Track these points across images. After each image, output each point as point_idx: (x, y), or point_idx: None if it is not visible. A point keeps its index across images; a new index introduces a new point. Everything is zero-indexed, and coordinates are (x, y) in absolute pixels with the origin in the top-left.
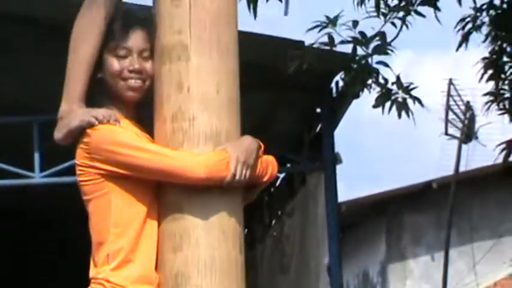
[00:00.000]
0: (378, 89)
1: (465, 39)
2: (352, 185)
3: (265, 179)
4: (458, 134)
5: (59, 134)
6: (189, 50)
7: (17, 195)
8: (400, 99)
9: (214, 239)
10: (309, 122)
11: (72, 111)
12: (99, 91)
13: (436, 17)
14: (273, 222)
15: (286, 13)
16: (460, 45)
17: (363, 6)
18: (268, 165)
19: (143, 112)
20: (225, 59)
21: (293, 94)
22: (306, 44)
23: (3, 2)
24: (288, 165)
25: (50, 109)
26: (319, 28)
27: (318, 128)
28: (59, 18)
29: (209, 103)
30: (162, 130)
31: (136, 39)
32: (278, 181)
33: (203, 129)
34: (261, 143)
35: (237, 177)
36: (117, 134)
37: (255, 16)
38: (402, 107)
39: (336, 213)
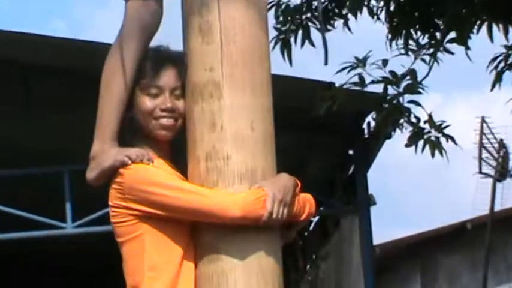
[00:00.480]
0: (410, 128)
1: (499, 78)
2: (384, 228)
3: (303, 217)
4: (492, 172)
5: (91, 174)
6: (222, 87)
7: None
8: (433, 138)
9: (253, 280)
10: (341, 163)
11: (105, 151)
12: (131, 130)
13: (467, 54)
14: (308, 266)
15: (326, 62)
16: (494, 85)
17: (393, 44)
18: (306, 204)
19: (179, 156)
20: (258, 95)
21: (324, 136)
22: (336, 85)
23: (28, 53)
24: (321, 208)
25: (80, 158)
26: (348, 69)
27: (351, 170)
28: (88, 68)
29: (243, 141)
30: (196, 170)
31: (168, 77)
32: (312, 225)
33: (238, 168)
34: (298, 181)
35: (274, 215)
36: (151, 174)
37: (291, 63)
38: (435, 145)
39: (370, 256)
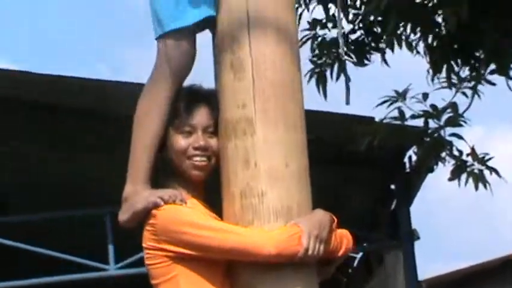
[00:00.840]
0: (453, 161)
1: None
2: (429, 262)
3: (340, 253)
4: None
5: (124, 216)
6: (254, 123)
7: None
8: (476, 171)
9: None
10: (383, 198)
11: (137, 192)
12: (164, 170)
13: (508, 85)
14: None
15: (347, 102)
16: None
17: (434, 78)
18: (343, 239)
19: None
20: (291, 130)
21: (366, 170)
22: (376, 118)
23: (72, 98)
24: (364, 244)
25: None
26: (388, 103)
27: (393, 205)
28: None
29: (278, 177)
30: (230, 208)
31: (200, 116)
32: (355, 261)
33: (273, 205)
34: (334, 217)
35: (310, 252)
36: (184, 214)
37: (325, 96)
38: (479, 178)
39: None
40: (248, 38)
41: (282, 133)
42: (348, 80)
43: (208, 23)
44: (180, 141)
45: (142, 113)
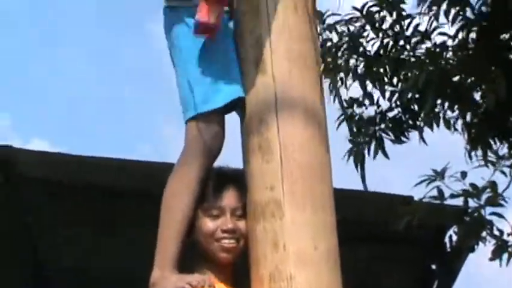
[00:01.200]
0: (493, 241)
1: None
2: None
3: None
4: None
5: None
6: (283, 206)
7: None
8: None
9: None
10: (423, 278)
11: (165, 277)
12: (192, 253)
13: None
14: None
15: (365, 188)
16: None
17: (472, 156)
18: None
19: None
20: (320, 212)
21: (405, 250)
22: (415, 197)
23: (108, 177)
24: None
25: None
26: (427, 182)
27: (435, 285)
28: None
29: (306, 260)
30: None
31: (228, 198)
32: None
33: None
34: None
35: None
36: None
37: (363, 179)
38: None
39: None
40: (276, 120)
41: (310, 215)
42: (362, 169)
43: (237, 104)
44: (208, 224)
45: (171, 195)
